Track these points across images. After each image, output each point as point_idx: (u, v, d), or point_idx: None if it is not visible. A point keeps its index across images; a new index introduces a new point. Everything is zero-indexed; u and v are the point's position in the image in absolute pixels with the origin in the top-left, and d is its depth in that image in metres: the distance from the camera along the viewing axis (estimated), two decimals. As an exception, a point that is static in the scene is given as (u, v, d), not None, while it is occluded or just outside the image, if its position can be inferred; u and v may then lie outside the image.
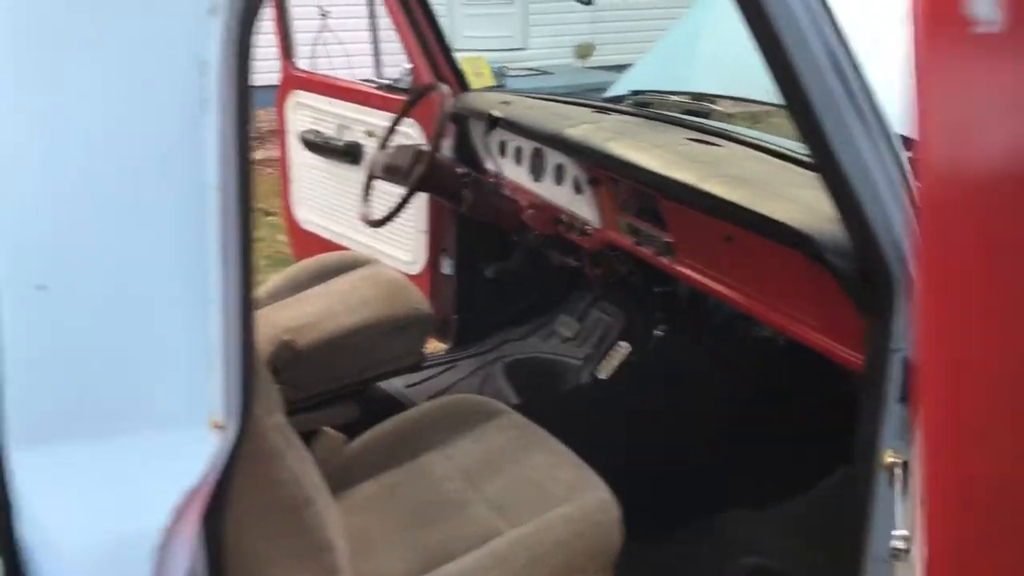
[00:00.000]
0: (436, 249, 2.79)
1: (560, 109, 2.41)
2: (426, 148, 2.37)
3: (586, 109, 2.41)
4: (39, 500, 0.89)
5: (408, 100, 2.50)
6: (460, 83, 2.71)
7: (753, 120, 3.08)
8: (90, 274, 0.89)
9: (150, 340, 0.91)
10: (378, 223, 2.39)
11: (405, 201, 2.33)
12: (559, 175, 2.32)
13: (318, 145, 3.02)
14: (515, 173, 2.50)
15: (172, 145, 0.88)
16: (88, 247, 0.88)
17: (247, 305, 0.92)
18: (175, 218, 0.90)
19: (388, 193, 2.45)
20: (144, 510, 0.90)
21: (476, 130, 2.60)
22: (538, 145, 2.34)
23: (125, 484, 0.91)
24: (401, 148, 2.41)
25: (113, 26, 0.87)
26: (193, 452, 0.92)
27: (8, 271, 0.87)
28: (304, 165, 3.16)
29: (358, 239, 2.94)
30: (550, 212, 2.37)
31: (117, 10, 0.87)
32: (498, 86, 8.31)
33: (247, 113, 0.89)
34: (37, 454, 0.90)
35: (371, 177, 2.45)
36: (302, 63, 3.24)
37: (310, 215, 3.22)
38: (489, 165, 2.56)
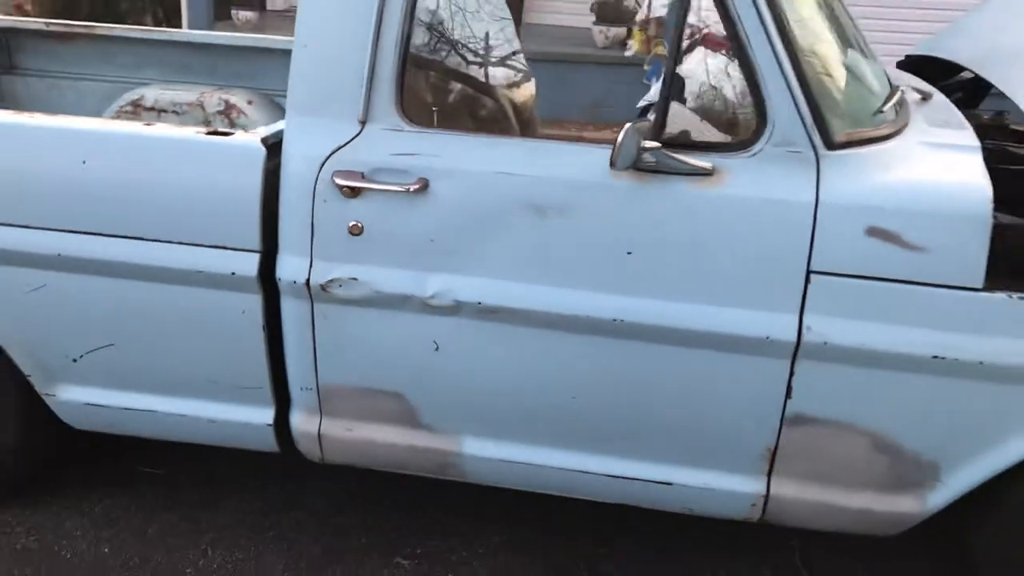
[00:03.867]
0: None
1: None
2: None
3: None
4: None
5: None
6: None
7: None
8: (322, 35, 2.10)
9: (351, 64, 2.09)
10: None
11: None
12: None
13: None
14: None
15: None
16: (323, 21, 2.10)
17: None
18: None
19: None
20: (313, 152, 2.11)
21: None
22: None
23: (313, 137, 2.12)
24: None
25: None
26: (350, 132, 2.11)
27: (298, 39, 2.13)
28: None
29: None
30: None
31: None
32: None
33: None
34: (297, 120, 2.15)
35: None
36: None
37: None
38: None
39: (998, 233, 1.94)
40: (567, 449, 2.27)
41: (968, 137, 2.19)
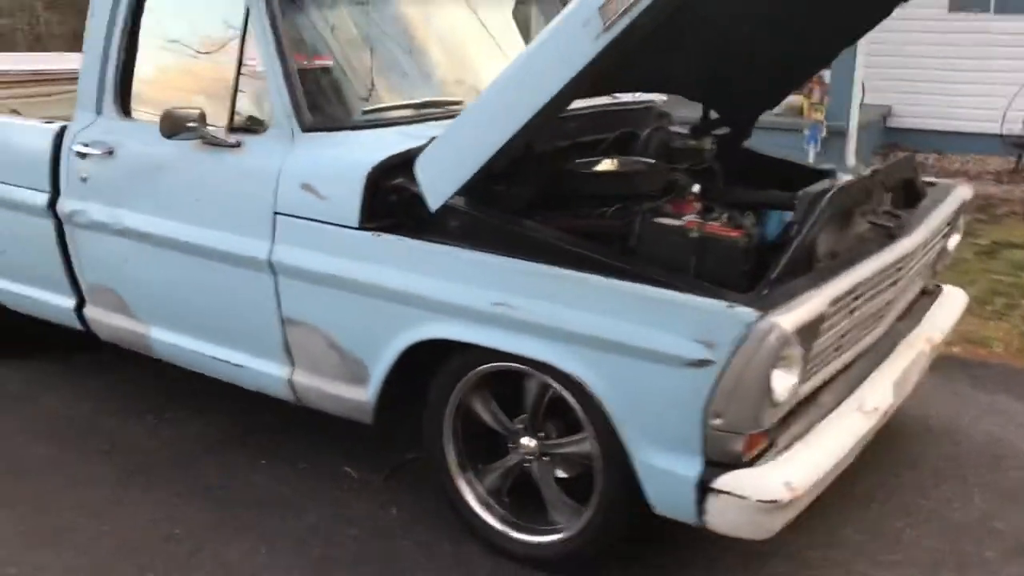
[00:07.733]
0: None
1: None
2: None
3: None
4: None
5: None
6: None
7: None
8: (87, 45, 3.46)
9: (94, 70, 3.43)
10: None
11: None
12: None
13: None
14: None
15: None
16: (90, 32, 3.44)
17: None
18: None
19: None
20: (71, 132, 3.44)
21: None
22: None
23: (87, 123, 3.47)
24: None
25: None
26: (90, 120, 3.43)
27: (84, 45, 3.48)
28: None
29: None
30: None
31: None
32: None
33: None
34: (79, 113, 3.51)
35: None
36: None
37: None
38: None
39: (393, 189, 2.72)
40: (195, 337, 3.32)
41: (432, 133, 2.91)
